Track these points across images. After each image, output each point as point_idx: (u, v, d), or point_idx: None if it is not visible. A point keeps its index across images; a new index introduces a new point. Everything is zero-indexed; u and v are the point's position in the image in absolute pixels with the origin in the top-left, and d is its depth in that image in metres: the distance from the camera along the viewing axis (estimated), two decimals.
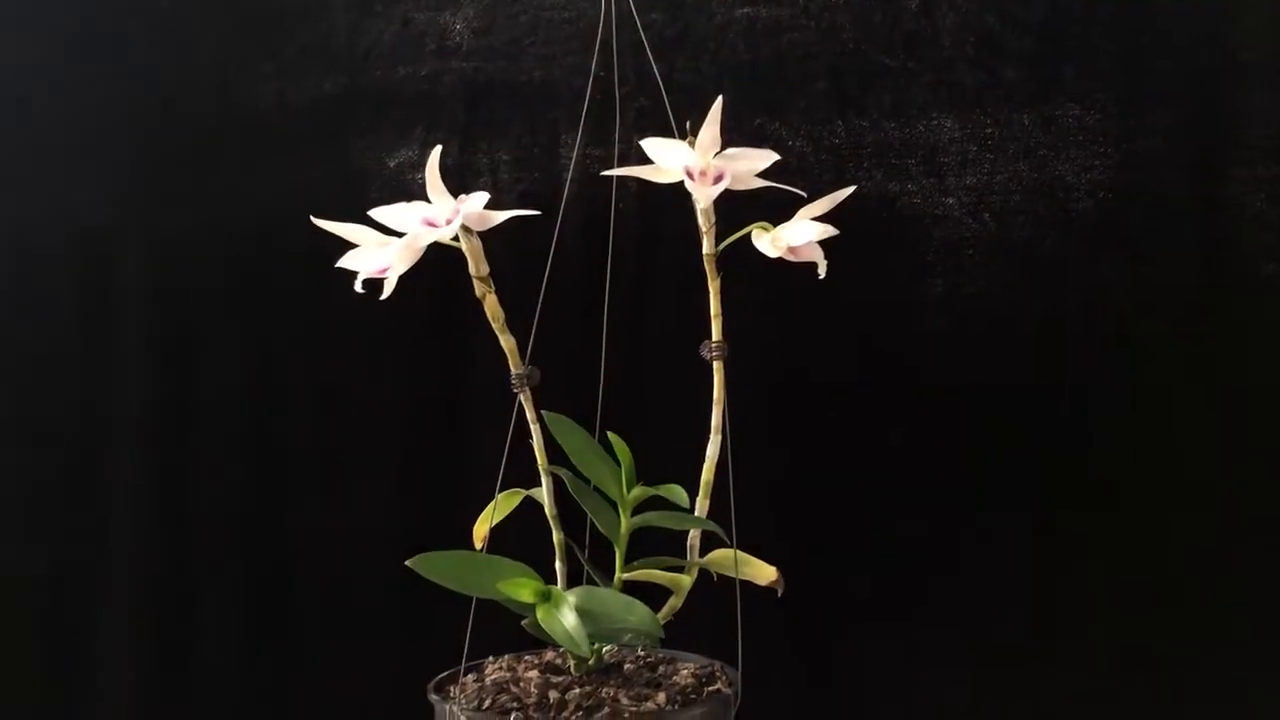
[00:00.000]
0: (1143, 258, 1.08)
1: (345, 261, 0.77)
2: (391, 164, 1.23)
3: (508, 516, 0.86)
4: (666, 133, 0.79)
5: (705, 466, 0.84)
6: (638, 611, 0.73)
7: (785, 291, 1.09)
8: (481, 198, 0.73)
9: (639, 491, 0.78)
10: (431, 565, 0.73)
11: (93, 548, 1.29)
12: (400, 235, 0.74)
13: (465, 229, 0.76)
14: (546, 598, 0.74)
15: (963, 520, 1.12)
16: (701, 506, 0.84)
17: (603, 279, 0.94)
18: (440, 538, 0.83)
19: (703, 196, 0.76)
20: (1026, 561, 1.11)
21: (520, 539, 0.85)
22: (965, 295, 1.11)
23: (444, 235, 0.73)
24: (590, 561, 0.83)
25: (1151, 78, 1.07)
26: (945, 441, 1.12)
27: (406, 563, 0.73)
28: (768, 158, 0.75)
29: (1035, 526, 1.11)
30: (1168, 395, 1.08)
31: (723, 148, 0.77)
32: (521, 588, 0.73)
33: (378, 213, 0.74)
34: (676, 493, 0.78)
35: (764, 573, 0.86)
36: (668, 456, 0.84)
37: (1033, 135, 1.10)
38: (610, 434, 0.79)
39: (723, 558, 0.84)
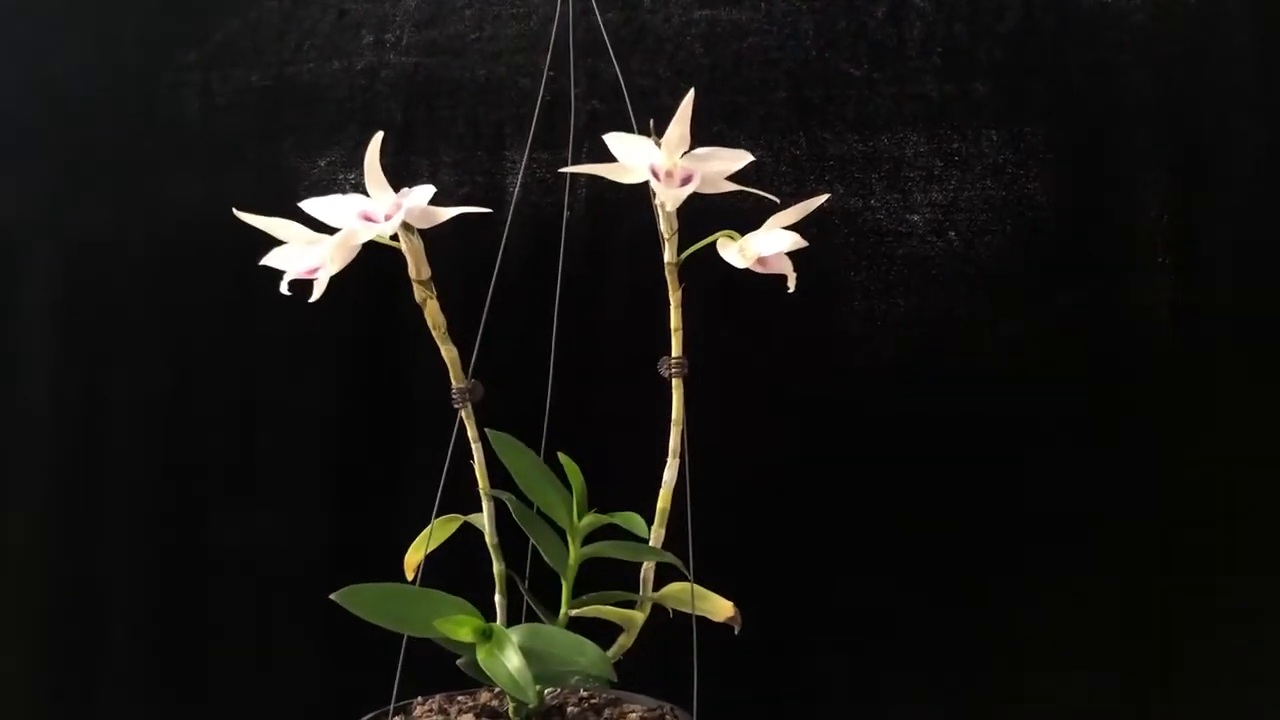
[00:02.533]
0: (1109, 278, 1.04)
1: (272, 260, 0.69)
2: (322, 163, 1.15)
3: (443, 545, 0.79)
4: None
5: (661, 493, 0.78)
6: (588, 652, 0.67)
7: (747, 306, 1.04)
8: (426, 191, 0.66)
9: (591, 519, 0.72)
10: (359, 600, 0.66)
11: None
12: (333, 231, 0.67)
13: (406, 227, 0.69)
14: (487, 636, 0.67)
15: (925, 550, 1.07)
16: (657, 536, 0.77)
17: (552, 289, 0.87)
18: (370, 564, 0.76)
19: (670, 199, 0.69)
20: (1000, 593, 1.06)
21: (456, 569, 0.78)
22: (930, 316, 1.06)
23: (384, 232, 0.66)
24: (532, 595, 0.76)
25: (1127, 94, 1.03)
26: (900, 466, 1.07)
27: (331, 596, 0.65)
28: (741, 158, 0.69)
29: (1000, 561, 1.06)
30: (1140, 420, 1.04)
31: (690, 148, 0.71)
32: (460, 626, 0.66)
33: (310, 204, 0.66)
34: (634, 521, 0.71)
35: (720, 608, 0.80)
36: (621, 481, 0.77)
37: (1001, 152, 1.05)
38: (561, 455, 0.73)
39: (679, 592, 0.78)
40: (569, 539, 0.73)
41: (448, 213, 0.67)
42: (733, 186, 0.71)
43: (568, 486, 0.74)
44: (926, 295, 1.06)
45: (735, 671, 0.91)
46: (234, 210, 0.70)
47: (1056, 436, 1.05)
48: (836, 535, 1.07)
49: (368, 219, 0.66)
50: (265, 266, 0.69)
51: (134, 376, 1.18)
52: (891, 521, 1.07)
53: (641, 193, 0.73)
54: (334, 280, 0.69)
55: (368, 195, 0.66)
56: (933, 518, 1.06)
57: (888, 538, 1.07)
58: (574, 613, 0.73)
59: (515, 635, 0.67)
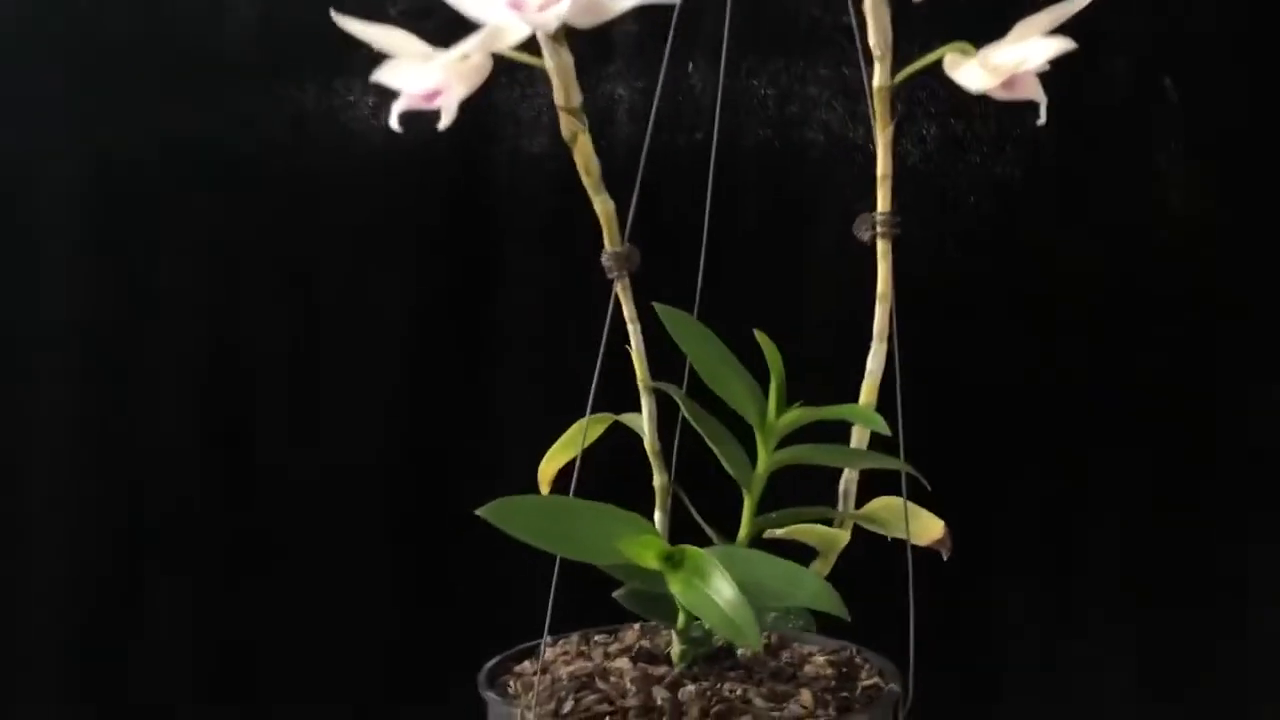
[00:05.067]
0: None
1: (383, 75, 0.53)
2: None
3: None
4: None
5: (865, 385, 0.62)
6: (807, 583, 0.51)
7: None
8: None
9: (798, 413, 0.56)
10: (514, 515, 0.50)
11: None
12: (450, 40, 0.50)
13: (556, 33, 0.52)
14: (676, 563, 0.51)
15: None
16: (860, 438, 0.62)
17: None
18: (461, 482, 0.61)
19: (538, 26, 0.48)
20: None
21: (596, 485, 0.63)
22: None
23: (544, 26, 0.49)
24: (703, 515, 0.61)
25: None
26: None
27: (479, 511, 0.49)
28: None
29: None
30: None
31: None
32: (646, 548, 0.50)
33: None
34: (865, 416, 0.55)
35: (929, 528, 0.64)
36: (805, 371, 0.61)
37: None
38: (758, 333, 0.56)
39: (885, 508, 0.62)
40: (759, 441, 0.58)
41: (627, 1, 0.50)
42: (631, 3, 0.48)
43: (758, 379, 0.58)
44: None
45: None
46: (332, 13, 0.53)
47: None
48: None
49: (517, 7, 0.49)
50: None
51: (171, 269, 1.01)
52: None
53: None
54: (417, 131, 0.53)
55: None
56: None
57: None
58: (780, 533, 0.57)
59: (710, 554, 0.52)
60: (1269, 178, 0.93)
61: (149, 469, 1.00)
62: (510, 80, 0.91)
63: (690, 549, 0.52)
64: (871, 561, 0.64)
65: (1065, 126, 0.67)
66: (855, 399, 0.62)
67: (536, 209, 0.92)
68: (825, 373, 0.65)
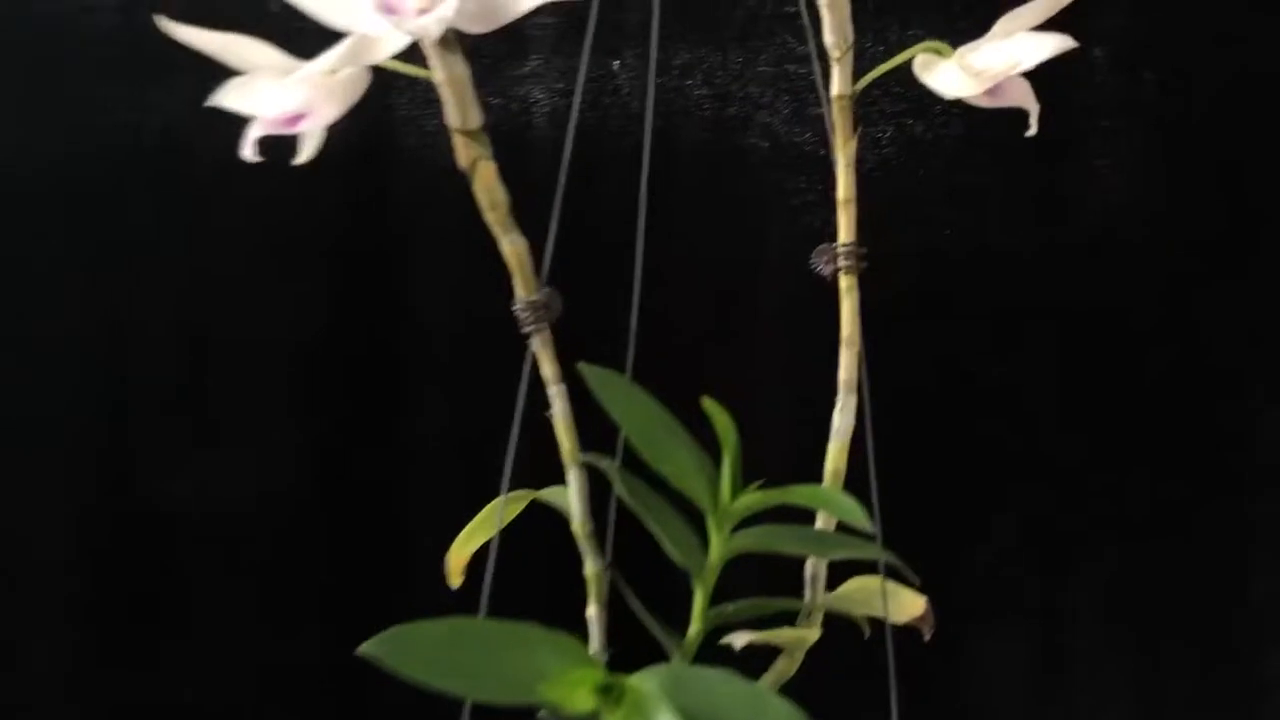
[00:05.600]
0: None
1: (227, 98, 0.42)
2: None
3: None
4: None
5: (832, 448, 0.53)
6: (775, 711, 0.41)
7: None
8: None
9: (755, 497, 0.46)
10: (405, 649, 0.40)
11: None
12: (316, 51, 0.40)
13: (445, 40, 0.42)
14: (615, 696, 0.41)
15: None
16: (828, 518, 0.52)
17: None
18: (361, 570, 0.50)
19: (419, 33, 0.39)
20: None
21: (511, 573, 0.52)
22: None
23: (427, 33, 0.38)
24: (649, 613, 0.51)
25: None
26: None
27: (361, 650, 0.39)
28: None
29: None
30: None
31: None
32: (576, 686, 0.40)
33: None
34: (838, 506, 0.45)
35: (909, 607, 0.55)
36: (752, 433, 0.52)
37: None
38: (706, 401, 0.46)
39: (863, 590, 0.53)
40: (711, 525, 0.48)
41: (529, 1, 0.39)
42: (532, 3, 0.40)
43: (704, 446, 0.48)
44: None
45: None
46: (159, 21, 0.42)
47: None
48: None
49: (390, 11, 0.38)
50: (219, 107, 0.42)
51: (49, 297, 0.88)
52: None
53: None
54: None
55: None
56: None
57: None
58: (755, 639, 0.48)
59: (656, 686, 0.42)
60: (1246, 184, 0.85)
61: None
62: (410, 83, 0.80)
63: (631, 683, 0.42)
64: (843, 637, 0.55)
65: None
66: (819, 461, 0.53)
67: (446, 245, 0.80)
68: (784, 429, 0.56)
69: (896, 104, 0.77)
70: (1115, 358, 0.82)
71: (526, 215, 0.48)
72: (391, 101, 0.80)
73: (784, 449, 0.55)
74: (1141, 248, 0.83)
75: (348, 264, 0.81)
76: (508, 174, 0.46)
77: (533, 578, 0.53)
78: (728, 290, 0.76)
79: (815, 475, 0.54)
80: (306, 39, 0.41)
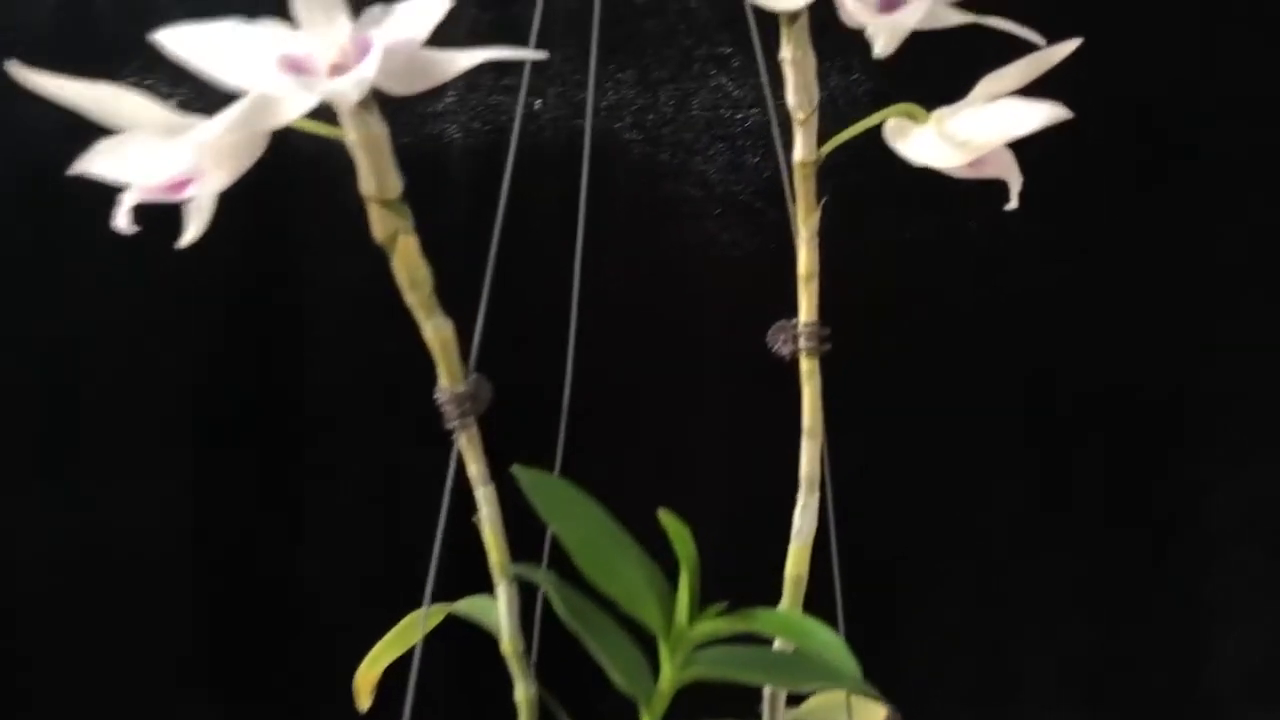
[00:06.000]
0: None
1: (96, 163, 0.35)
2: None
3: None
4: None
5: (792, 551, 0.47)
6: None
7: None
8: (428, 8, 0.32)
9: (719, 624, 0.40)
10: None
11: None
12: (212, 110, 0.33)
13: (363, 102, 0.36)
14: None
15: None
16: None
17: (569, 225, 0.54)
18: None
19: (343, 93, 0.32)
20: None
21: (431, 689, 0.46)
22: None
23: (336, 95, 0.32)
24: None
25: None
26: None
27: None
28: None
29: None
30: None
31: None
32: None
33: (173, 37, 0.32)
34: (810, 637, 0.40)
35: (872, 717, 0.50)
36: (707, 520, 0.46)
37: None
38: (663, 513, 0.41)
39: (825, 706, 0.48)
40: (663, 650, 0.42)
41: (469, 59, 0.33)
42: (469, 62, 0.34)
43: (655, 557, 0.42)
44: None
45: None
46: (7, 65, 0.35)
47: None
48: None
49: (298, 70, 0.32)
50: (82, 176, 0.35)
51: None
52: None
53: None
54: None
55: (293, 24, 0.33)
56: None
57: None
58: None
59: None
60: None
61: None
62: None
63: None
64: None
65: None
66: (777, 563, 0.48)
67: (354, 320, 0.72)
68: (736, 526, 0.50)
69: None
70: None
71: (437, 256, 0.41)
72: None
73: (738, 545, 0.50)
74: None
75: (250, 342, 0.73)
76: (419, 215, 0.39)
77: (455, 703, 0.46)
78: (678, 365, 0.69)
79: (764, 565, 0.49)
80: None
